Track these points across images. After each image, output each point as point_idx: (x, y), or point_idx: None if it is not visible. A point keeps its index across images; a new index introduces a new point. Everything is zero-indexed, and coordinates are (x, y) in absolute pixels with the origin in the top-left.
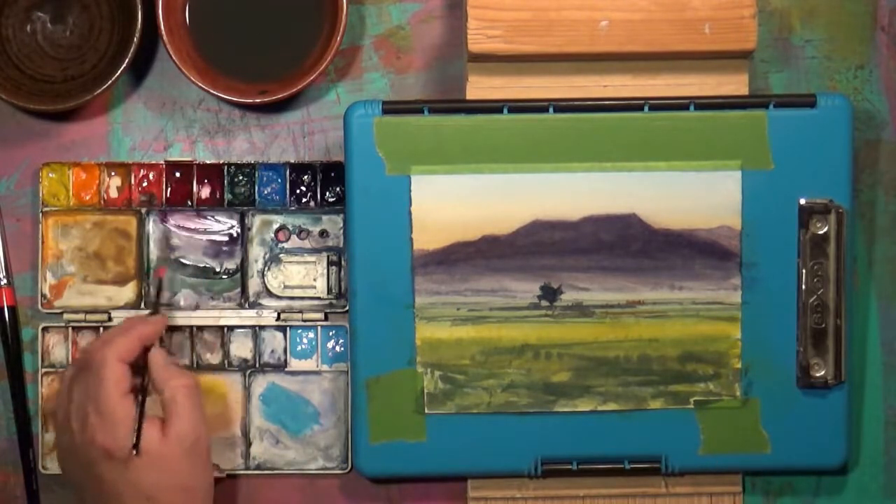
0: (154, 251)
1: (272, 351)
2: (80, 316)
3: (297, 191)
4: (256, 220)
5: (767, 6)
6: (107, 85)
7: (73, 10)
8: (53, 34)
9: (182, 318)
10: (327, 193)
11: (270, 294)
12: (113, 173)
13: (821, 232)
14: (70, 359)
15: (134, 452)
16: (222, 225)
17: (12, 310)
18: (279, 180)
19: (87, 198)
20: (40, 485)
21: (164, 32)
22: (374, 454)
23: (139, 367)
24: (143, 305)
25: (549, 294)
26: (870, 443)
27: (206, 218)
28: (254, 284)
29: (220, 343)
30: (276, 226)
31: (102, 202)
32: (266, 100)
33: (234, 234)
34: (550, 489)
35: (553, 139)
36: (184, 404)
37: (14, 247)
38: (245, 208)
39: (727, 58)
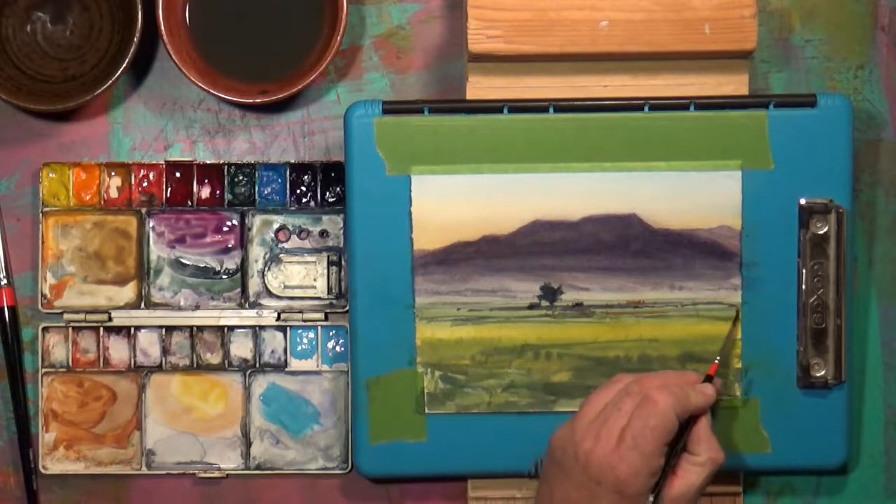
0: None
1: (272, 351)
2: (80, 316)
3: (298, 191)
4: (256, 220)
5: (767, 6)
6: (107, 85)
7: (73, 10)
8: (53, 34)
9: (182, 319)
10: (327, 193)
11: (270, 294)
12: (113, 173)
13: (821, 232)
14: (71, 359)
15: (651, 500)
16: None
17: (12, 310)
18: (279, 180)
19: (88, 198)
20: (40, 485)
21: (164, 32)
22: (374, 454)
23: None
24: (142, 305)
25: (550, 294)
26: (870, 443)
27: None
28: (254, 284)
29: (220, 343)
30: (276, 226)
31: (102, 202)
32: (266, 100)
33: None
34: None
35: (553, 139)
36: (705, 477)
37: (14, 247)
38: (245, 208)
39: (727, 58)
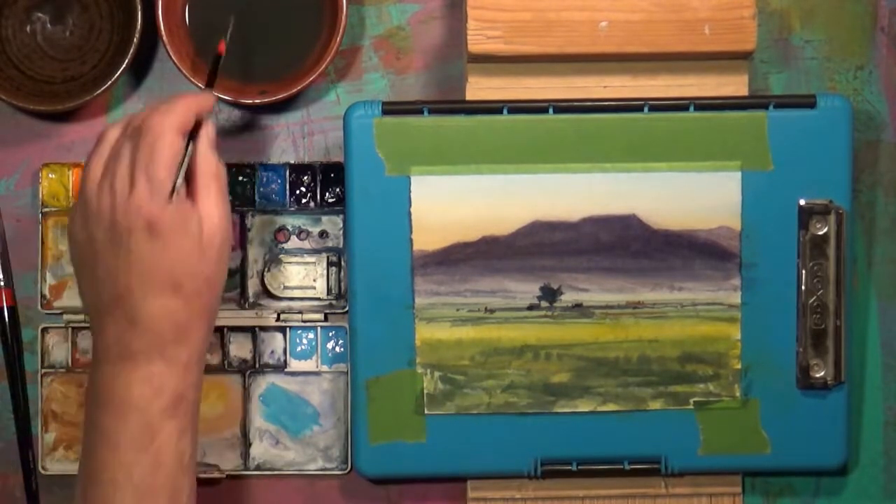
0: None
1: (272, 352)
2: (80, 316)
3: (297, 191)
4: (256, 221)
5: (767, 6)
6: (107, 85)
7: (73, 11)
8: (53, 34)
9: None
10: (327, 194)
11: (270, 295)
12: None
13: (821, 232)
14: (70, 359)
15: (170, 196)
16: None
17: (12, 310)
18: (279, 181)
19: None
20: (40, 485)
21: (163, 32)
22: (373, 455)
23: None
24: None
25: (549, 295)
26: (870, 443)
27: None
28: (253, 285)
29: (219, 344)
30: (276, 226)
31: None
32: (266, 100)
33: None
34: (550, 490)
35: (553, 140)
36: (217, 189)
37: (14, 247)
38: (245, 209)
39: (727, 58)
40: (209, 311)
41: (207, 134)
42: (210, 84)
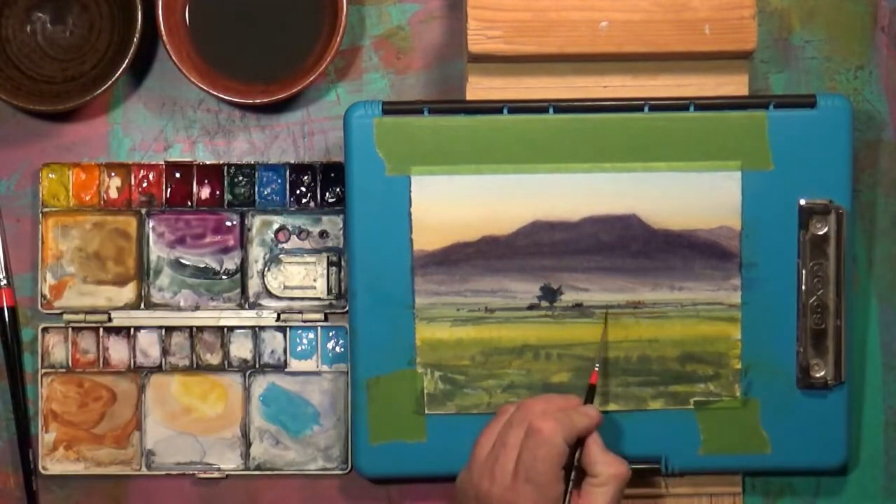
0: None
1: (272, 351)
2: (80, 316)
3: (297, 191)
4: (256, 221)
5: (767, 6)
6: (107, 85)
7: (73, 11)
8: (53, 34)
9: (182, 319)
10: (327, 194)
11: (270, 295)
12: (113, 174)
13: (821, 232)
14: (70, 359)
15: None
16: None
17: (12, 310)
18: (279, 181)
19: (87, 198)
20: (40, 485)
21: (164, 32)
22: (373, 455)
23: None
24: (142, 306)
25: (549, 295)
26: (870, 443)
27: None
28: (254, 285)
29: (220, 343)
30: (276, 226)
31: (102, 203)
32: (266, 100)
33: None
34: None
35: (553, 140)
36: (613, 495)
37: (14, 247)
38: (245, 209)
39: (727, 58)
40: None
41: (596, 444)
42: (590, 400)
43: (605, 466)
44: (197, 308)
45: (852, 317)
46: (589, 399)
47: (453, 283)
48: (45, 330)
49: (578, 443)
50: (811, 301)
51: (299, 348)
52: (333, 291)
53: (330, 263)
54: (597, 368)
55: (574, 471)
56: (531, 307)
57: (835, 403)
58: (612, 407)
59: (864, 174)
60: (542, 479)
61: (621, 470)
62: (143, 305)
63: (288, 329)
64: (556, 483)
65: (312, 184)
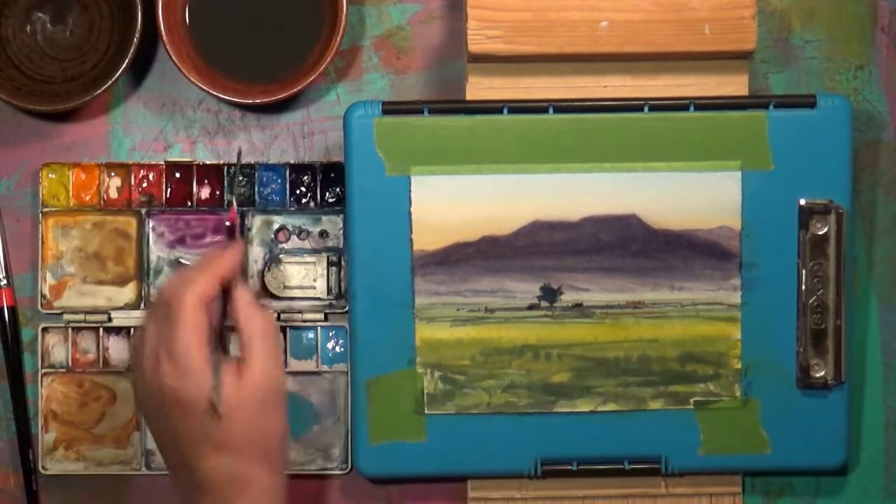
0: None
1: None
2: (80, 316)
3: (297, 191)
4: (256, 221)
5: (767, 6)
6: (107, 85)
7: (73, 11)
8: (53, 34)
9: None
10: (327, 194)
11: (270, 294)
12: (113, 174)
13: (821, 232)
14: (70, 359)
15: (212, 412)
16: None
17: (12, 310)
18: (279, 181)
19: (87, 198)
20: (40, 485)
21: (164, 32)
22: (373, 455)
23: (219, 304)
24: (142, 306)
25: (549, 295)
26: (870, 443)
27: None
28: (253, 285)
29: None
30: (276, 226)
31: (102, 203)
32: (266, 100)
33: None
34: (550, 489)
35: (553, 139)
36: (261, 348)
37: (14, 247)
38: (245, 209)
39: (727, 58)
40: (266, 454)
41: (242, 295)
42: (233, 235)
43: (247, 320)
44: None
45: (852, 317)
46: (230, 235)
47: (453, 283)
48: (45, 330)
49: (227, 298)
50: (811, 301)
51: (299, 348)
52: (333, 291)
53: (330, 263)
54: (235, 208)
55: (223, 339)
56: (531, 307)
57: (835, 403)
58: (611, 407)
59: (864, 174)
60: (181, 353)
61: (264, 323)
62: (143, 305)
63: (288, 329)
64: (197, 355)
65: (312, 184)
